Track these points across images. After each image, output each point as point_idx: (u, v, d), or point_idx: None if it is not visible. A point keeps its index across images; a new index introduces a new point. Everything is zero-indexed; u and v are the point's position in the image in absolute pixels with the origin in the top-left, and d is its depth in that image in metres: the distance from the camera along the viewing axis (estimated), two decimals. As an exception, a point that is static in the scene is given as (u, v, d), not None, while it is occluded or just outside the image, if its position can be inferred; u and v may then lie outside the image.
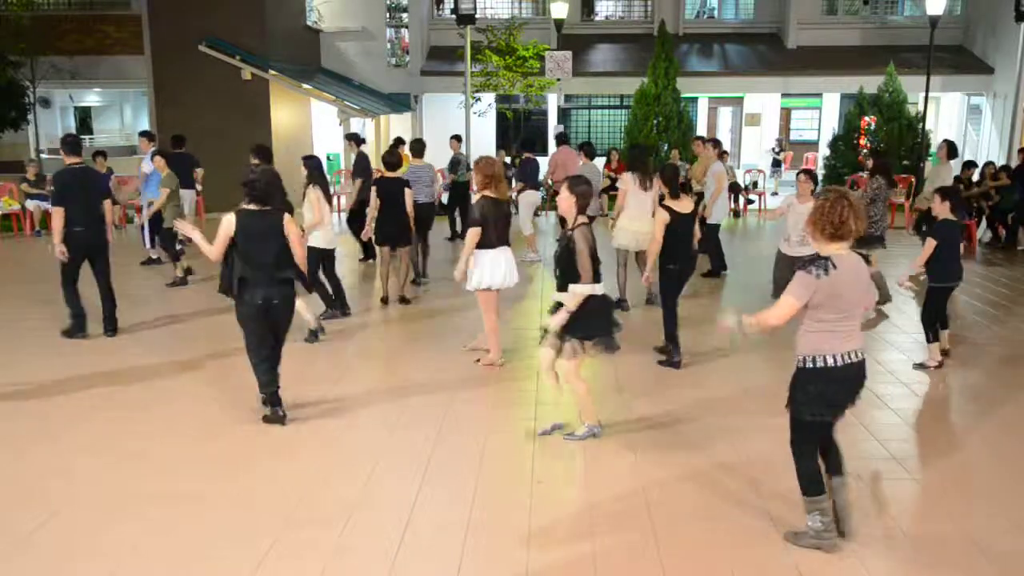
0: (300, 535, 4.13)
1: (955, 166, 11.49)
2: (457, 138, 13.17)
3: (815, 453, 3.92)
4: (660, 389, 6.22)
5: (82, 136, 22.86)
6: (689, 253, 6.74)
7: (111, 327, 7.63)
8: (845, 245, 3.72)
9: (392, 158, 8.82)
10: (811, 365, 3.77)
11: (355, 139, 11.58)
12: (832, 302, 3.68)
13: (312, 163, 7.84)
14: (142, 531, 4.16)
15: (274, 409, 5.50)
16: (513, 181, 13.75)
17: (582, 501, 4.51)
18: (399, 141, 12.17)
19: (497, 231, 6.42)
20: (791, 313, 3.73)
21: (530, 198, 11.36)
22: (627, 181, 8.39)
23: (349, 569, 3.86)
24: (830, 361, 3.73)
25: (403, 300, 8.83)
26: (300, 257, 5.46)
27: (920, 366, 6.72)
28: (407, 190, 8.47)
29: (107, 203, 7.45)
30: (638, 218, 8.23)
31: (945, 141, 10.59)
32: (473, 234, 6.38)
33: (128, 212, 14.17)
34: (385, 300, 8.81)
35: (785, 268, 7.44)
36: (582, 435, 5.26)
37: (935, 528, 4.21)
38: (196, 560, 3.92)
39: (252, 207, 5.30)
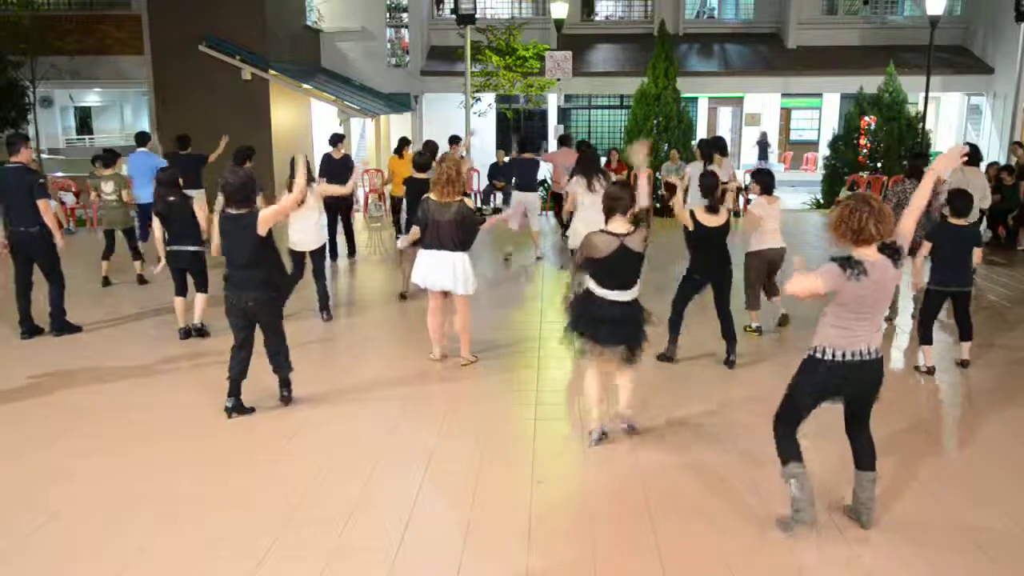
0: (300, 535, 4.13)
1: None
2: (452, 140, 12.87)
3: (791, 428, 4.09)
4: (662, 391, 6.22)
5: (82, 136, 22.95)
6: (716, 266, 6.56)
7: (55, 327, 7.59)
8: (872, 248, 3.77)
9: (422, 159, 8.91)
10: (819, 356, 3.93)
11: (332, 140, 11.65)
12: (857, 304, 3.79)
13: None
14: (142, 532, 4.16)
15: (228, 398, 5.67)
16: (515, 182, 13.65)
17: (582, 501, 4.51)
18: (404, 141, 12.14)
19: (433, 234, 6.35)
20: (811, 292, 3.79)
21: (517, 199, 11.08)
22: (575, 184, 8.36)
23: (349, 569, 3.86)
24: (838, 356, 3.88)
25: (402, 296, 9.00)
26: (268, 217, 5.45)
27: (916, 368, 6.73)
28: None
29: (41, 202, 7.26)
30: (593, 221, 8.12)
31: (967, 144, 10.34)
32: (414, 232, 6.63)
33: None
34: (403, 295, 8.99)
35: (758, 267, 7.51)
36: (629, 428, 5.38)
37: (938, 528, 4.21)
38: (196, 561, 3.92)
39: (231, 210, 5.47)
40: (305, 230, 7.84)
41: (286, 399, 5.84)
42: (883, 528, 4.18)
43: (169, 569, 3.86)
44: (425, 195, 6.49)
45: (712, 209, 6.47)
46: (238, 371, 5.66)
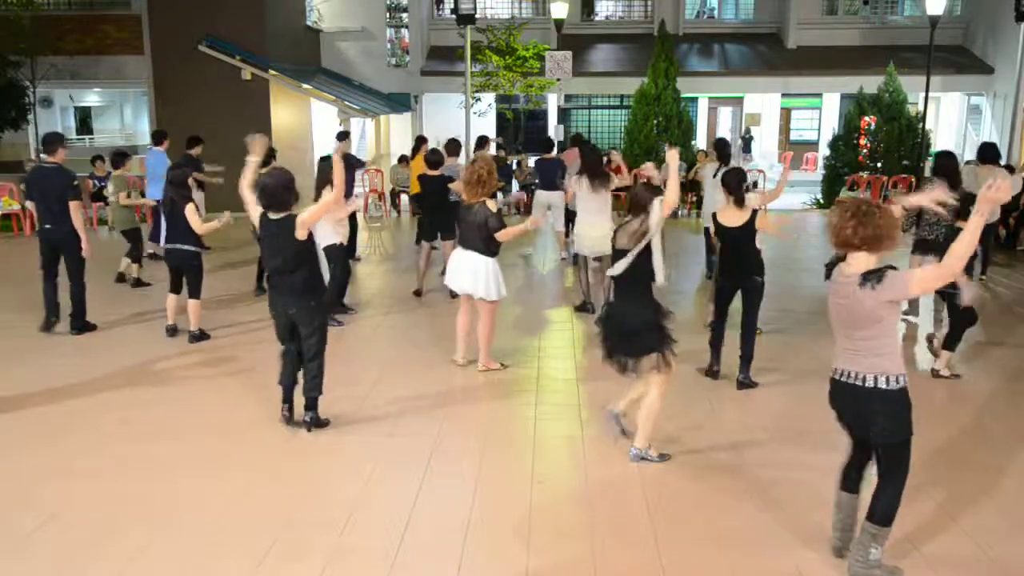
0: (300, 535, 4.13)
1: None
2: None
3: (849, 456, 3.88)
4: (667, 395, 6.20)
5: (82, 136, 22.94)
6: (740, 269, 6.15)
7: (76, 326, 7.64)
8: (855, 256, 3.52)
9: (435, 156, 9.09)
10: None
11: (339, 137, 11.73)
12: (831, 311, 3.66)
13: (325, 165, 8.04)
14: (142, 532, 4.16)
15: (283, 406, 5.48)
16: (514, 182, 13.74)
17: (582, 501, 4.51)
18: (421, 140, 12.19)
19: (463, 234, 6.41)
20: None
21: (541, 198, 11.14)
22: (575, 184, 8.09)
23: (349, 569, 3.86)
24: (831, 371, 3.73)
25: (417, 293, 9.15)
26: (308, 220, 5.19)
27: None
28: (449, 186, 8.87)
29: (73, 204, 7.32)
30: (595, 223, 7.89)
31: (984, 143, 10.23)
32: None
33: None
34: (418, 292, 9.13)
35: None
36: (633, 455, 4.96)
37: (938, 533, 4.20)
38: (196, 560, 3.92)
39: (271, 215, 5.19)
40: (319, 227, 7.88)
41: (309, 424, 5.39)
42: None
43: (168, 569, 3.85)
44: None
45: (739, 203, 6.09)
46: (289, 380, 5.40)
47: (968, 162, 13.48)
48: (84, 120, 23.29)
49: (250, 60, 16.23)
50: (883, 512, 3.63)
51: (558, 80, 16.94)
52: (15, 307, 8.62)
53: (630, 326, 4.77)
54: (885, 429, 3.55)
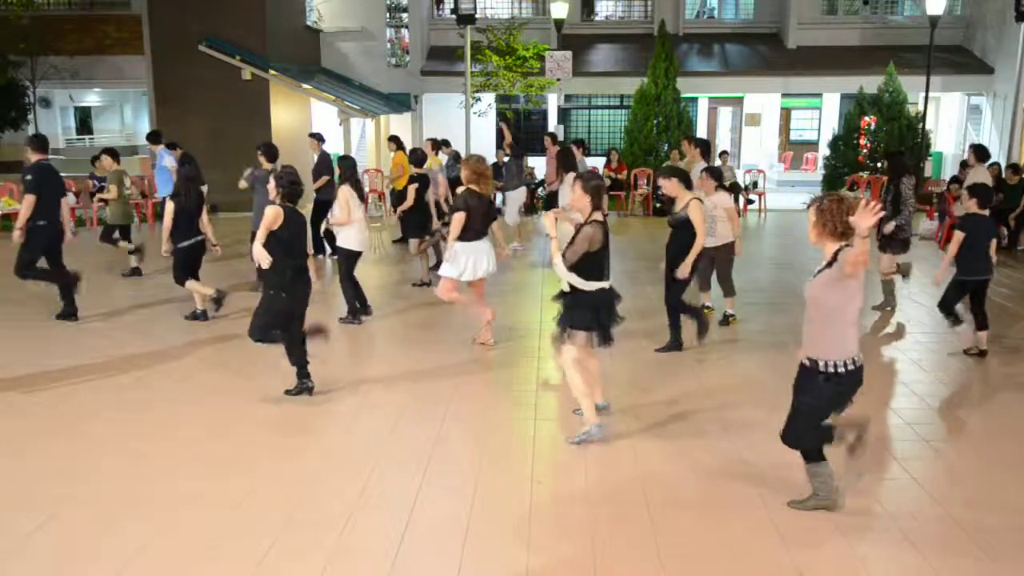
0: (300, 535, 4.13)
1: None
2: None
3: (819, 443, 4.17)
4: (662, 387, 6.22)
5: (82, 136, 22.95)
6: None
7: (72, 310, 8.02)
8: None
9: (418, 155, 9.57)
10: (841, 369, 3.91)
11: (318, 138, 11.72)
12: (860, 296, 3.88)
13: (347, 163, 8.15)
14: (142, 532, 4.16)
15: (305, 381, 5.98)
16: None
17: (582, 501, 4.51)
18: (394, 140, 12.28)
19: (480, 224, 6.86)
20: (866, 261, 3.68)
21: (517, 194, 12.20)
22: (569, 182, 8.46)
23: (349, 569, 3.86)
24: (850, 365, 3.91)
25: (423, 284, 9.63)
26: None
27: (967, 352, 7.03)
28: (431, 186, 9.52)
29: (64, 201, 7.82)
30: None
31: (972, 146, 10.56)
32: (458, 219, 6.81)
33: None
34: (421, 284, 9.65)
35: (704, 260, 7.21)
36: (578, 438, 5.17)
37: (939, 524, 4.21)
38: (196, 560, 3.92)
39: (289, 204, 5.64)
40: (367, 232, 8.10)
41: (312, 388, 6.06)
42: (884, 530, 4.18)
43: (169, 569, 3.85)
44: (467, 189, 6.84)
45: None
46: (304, 350, 5.94)
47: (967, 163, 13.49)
48: (84, 120, 23.30)
49: (250, 60, 16.23)
50: None
51: (558, 80, 16.95)
52: (12, 306, 8.63)
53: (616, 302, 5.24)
54: None
